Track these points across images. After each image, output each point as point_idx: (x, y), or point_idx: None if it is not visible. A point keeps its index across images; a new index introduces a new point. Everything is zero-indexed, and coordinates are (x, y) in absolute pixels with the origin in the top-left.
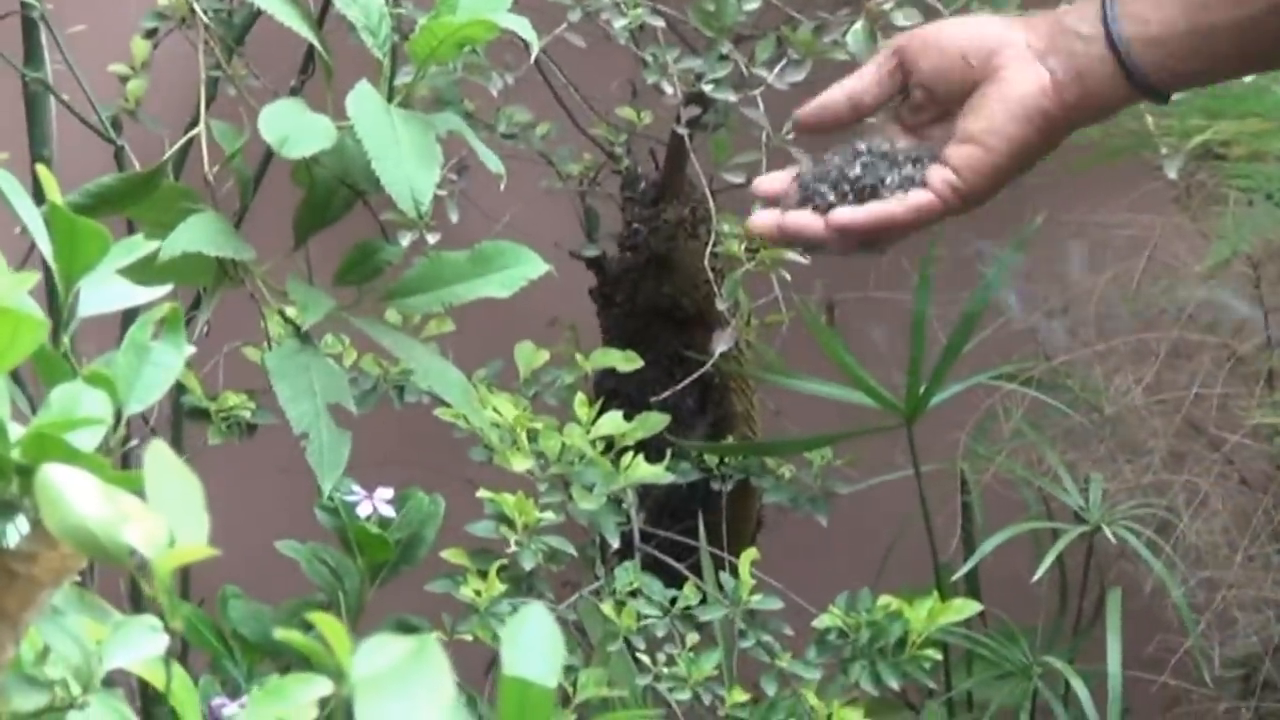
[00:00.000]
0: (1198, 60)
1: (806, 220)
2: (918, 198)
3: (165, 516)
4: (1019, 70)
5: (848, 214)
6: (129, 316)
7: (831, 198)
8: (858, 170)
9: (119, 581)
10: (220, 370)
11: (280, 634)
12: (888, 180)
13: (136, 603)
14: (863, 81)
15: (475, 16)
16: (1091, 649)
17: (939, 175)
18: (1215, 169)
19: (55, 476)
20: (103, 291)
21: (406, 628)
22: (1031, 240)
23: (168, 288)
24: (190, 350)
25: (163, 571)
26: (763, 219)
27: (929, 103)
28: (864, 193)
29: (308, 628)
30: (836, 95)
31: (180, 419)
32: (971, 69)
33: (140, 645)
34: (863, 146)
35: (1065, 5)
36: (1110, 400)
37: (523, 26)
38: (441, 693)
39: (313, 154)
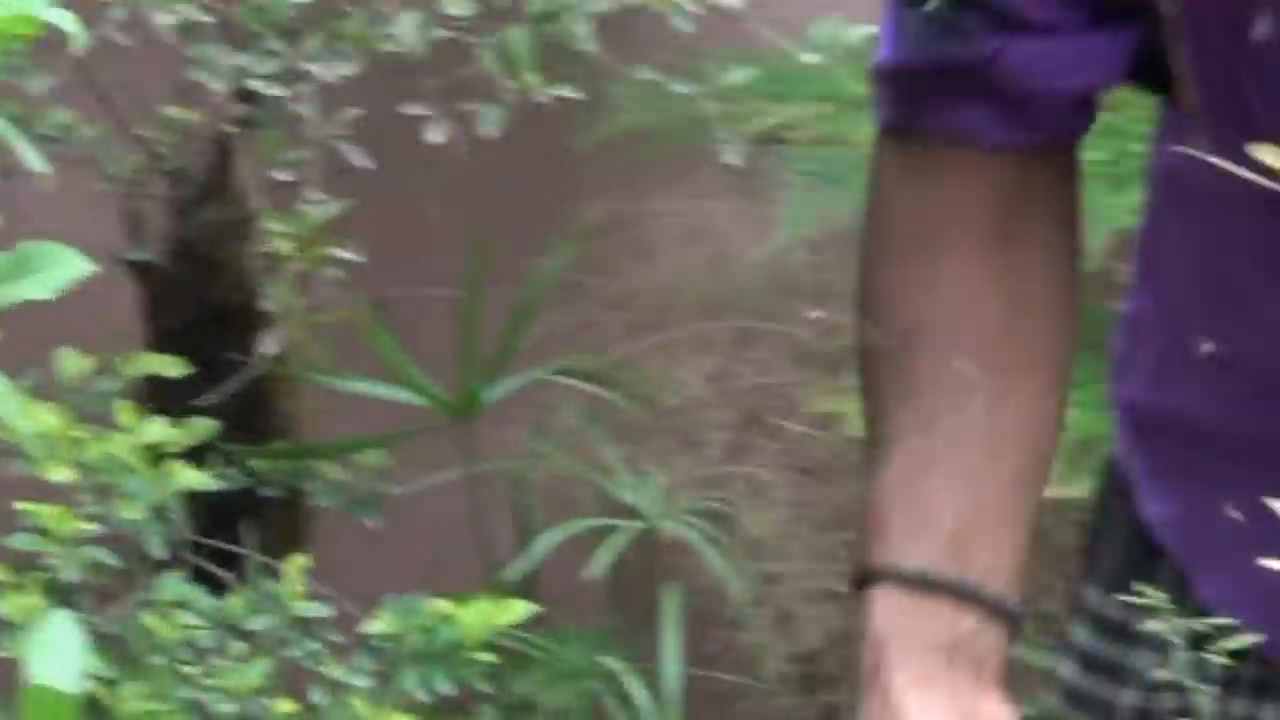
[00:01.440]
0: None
1: None
2: None
3: None
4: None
5: None
6: None
7: None
8: None
9: None
10: None
11: None
12: None
13: None
14: None
15: (17, 13)
16: (655, 647)
17: None
18: (779, 154)
19: None
20: None
21: None
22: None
23: None
24: None
25: None
26: None
27: None
28: None
29: None
30: None
31: None
32: None
33: None
34: None
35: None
36: (671, 392)
37: (68, 21)
38: None
39: None
